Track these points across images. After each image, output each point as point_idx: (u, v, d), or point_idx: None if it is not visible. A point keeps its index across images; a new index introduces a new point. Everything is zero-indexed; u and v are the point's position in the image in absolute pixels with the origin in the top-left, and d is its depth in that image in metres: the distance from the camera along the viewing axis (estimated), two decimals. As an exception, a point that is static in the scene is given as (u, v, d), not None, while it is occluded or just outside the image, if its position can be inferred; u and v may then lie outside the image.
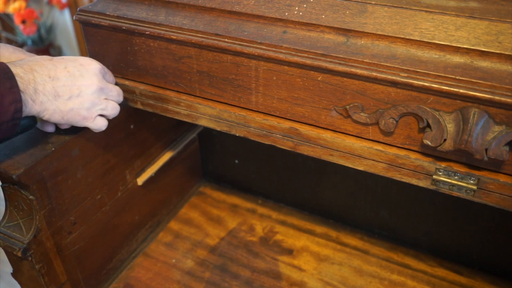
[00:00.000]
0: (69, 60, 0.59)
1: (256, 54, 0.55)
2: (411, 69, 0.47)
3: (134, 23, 0.62)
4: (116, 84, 0.67)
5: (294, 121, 0.58)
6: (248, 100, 0.60)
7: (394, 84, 0.48)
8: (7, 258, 0.65)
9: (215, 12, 0.59)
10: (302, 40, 0.53)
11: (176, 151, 0.91)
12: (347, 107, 0.53)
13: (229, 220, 0.96)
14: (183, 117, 0.66)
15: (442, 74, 0.46)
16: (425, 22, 0.49)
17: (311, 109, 0.56)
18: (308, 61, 0.52)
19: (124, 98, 0.68)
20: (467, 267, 0.83)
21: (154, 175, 0.85)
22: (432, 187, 0.52)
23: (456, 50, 0.47)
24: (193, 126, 0.98)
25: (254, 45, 0.55)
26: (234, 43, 0.56)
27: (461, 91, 0.45)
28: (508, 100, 0.43)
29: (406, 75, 0.47)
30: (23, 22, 2.37)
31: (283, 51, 0.53)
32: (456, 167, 0.50)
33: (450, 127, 0.47)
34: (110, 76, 0.65)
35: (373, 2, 0.52)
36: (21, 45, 2.55)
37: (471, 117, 0.45)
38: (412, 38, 0.49)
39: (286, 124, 0.58)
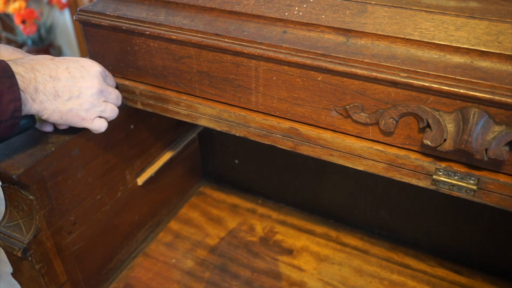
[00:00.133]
0: (70, 61, 0.59)
1: (256, 54, 0.55)
2: (411, 69, 0.47)
3: (134, 23, 0.62)
4: (117, 86, 0.67)
5: (294, 121, 0.58)
6: (248, 100, 0.60)
7: (394, 84, 0.48)
8: (7, 258, 0.65)
9: (215, 12, 0.59)
10: (302, 40, 0.53)
11: (176, 151, 0.91)
12: (347, 107, 0.53)
13: (229, 220, 0.96)
14: (183, 117, 0.66)
15: (442, 74, 0.46)
16: (425, 22, 0.49)
17: (311, 109, 0.56)
18: (308, 61, 0.52)
19: (124, 98, 0.69)
20: (467, 267, 0.83)
21: (154, 175, 0.85)
22: (432, 187, 0.52)
23: (456, 50, 0.47)
24: (193, 126, 0.98)
25: (254, 45, 0.55)
26: (234, 43, 0.56)
27: (461, 91, 0.45)
28: (508, 100, 0.43)
29: (406, 75, 0.47)
30: (23, 22, 2.37)
31: (283, 51, 0.53)
32: (456, 167, 0.50)
33: (450, 127, 0.47)
34: (111, 79, 0.65)
35: (373, 2, 0.52)
36: (21, 45, 2.56)
37: (471, 117, 0.45)
38: (412, 38, 0.49)
39: (286, 124, 0.58)
